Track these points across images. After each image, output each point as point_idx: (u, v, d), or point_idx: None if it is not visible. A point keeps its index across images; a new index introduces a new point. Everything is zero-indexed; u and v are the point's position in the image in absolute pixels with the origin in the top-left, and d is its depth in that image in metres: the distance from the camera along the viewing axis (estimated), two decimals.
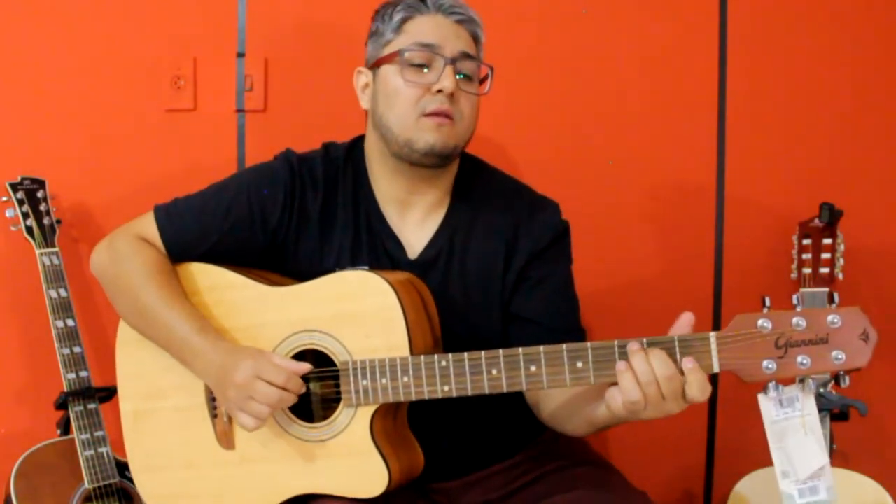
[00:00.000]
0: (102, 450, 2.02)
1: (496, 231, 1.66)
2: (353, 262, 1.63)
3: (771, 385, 1.32)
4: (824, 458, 1.35)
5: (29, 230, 2.09)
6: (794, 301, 1.30)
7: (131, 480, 1.99)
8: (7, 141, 2.22)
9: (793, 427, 1.35)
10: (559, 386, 1.41)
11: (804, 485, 1.36)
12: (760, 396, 1.35)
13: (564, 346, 1.39)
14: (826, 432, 1.97)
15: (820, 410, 1.96)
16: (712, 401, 2.33)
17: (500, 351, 1.43)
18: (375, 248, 1.65)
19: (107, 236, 1.72)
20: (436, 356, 1.46)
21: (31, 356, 2.20)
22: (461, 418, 1.64)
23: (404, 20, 1.60)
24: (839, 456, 2.06)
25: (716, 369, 1.33)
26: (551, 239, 1.67)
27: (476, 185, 1.71)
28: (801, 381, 1.33)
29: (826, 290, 2.02)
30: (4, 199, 2.10)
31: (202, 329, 1.57)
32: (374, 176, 1.68)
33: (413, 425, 1.60)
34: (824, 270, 2.05)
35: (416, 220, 1.67)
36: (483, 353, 1.44)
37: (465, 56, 1.59)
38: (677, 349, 1.33)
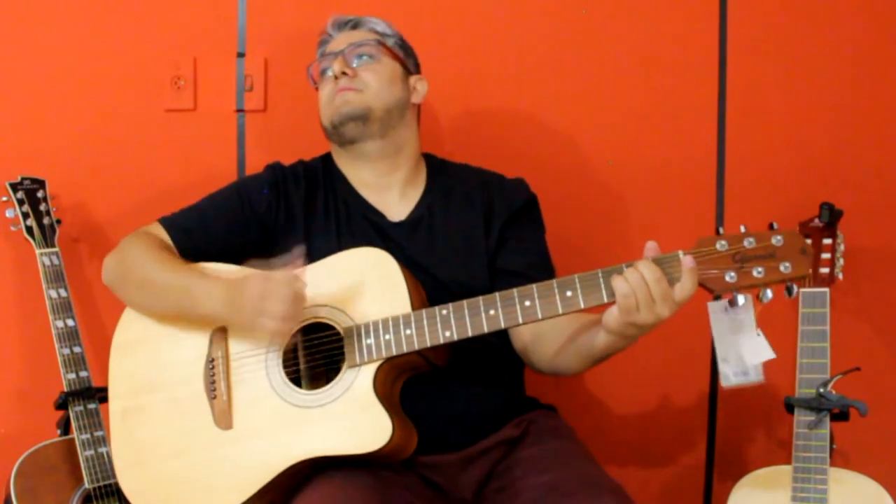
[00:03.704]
0: (102, 450, 2.02)
1: (472, 201, 1.84)
2: (340, 239, 1.76)
3: (738, 295, 1.52)
4: (770, 353, 1.64)
5: (29, 230, 2.09)
6: (742, 229, 1.50)
7: None
8: (7, 141, 2.22)
9: (738, 325, 1.65)
10: (552, 315, 1.52)
11: (738, 368, 1.67)
12: (709, 303, 1.61)
13: (554, 280, 1.52)
14: (826, 432, 1.97)
15: (820, 410, 1.97)
16: (712, 401, 2.33)
17: (496, 293, 1.54)
18: (357, 220, 1.80)
19: (115, 247, 1.79)
20: (436, 307, 1.56)
21: (31, 356, 2.20)
22: (449, 391, 1.68)
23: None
24: (839, 456, 2.06)
25: None
26: (523, 203, 1.85)
27: (448, 171, 1.91)
28: (758, 296, 1.51)
29: (826, 289, 2.02)
30: (4, 199, 2.10)
31: (202, 275, 1.67)
32: (344, 170, 1.87)
33: (403, 396, 1.65)
34: (824, 270, 2.05)
35: (395, 199, 1.84)
36: (481, 297, 1.55)
37: (353, 45, 1.84)
38: None
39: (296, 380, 1.63)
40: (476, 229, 1.81)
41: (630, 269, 1.48)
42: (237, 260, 1.74)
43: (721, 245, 1.50)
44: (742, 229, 1.50)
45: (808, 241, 1.52)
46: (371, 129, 1.80)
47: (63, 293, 2.06)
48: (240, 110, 2.25)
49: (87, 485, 2.00)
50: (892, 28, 2.31)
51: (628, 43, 2.30)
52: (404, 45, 1.91)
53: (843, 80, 2.30)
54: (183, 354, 1.68)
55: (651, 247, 1.51)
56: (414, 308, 1.58)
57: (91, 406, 2.04)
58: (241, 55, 2.25)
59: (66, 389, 2.02)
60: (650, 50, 2.30)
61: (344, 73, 1.80)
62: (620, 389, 2.25)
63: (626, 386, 2.27)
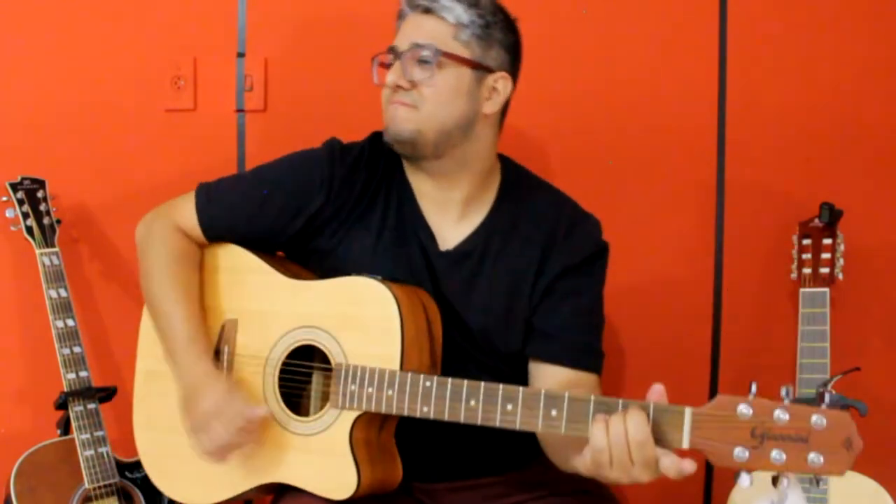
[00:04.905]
0: (102, 450, 2.02)
1: (534, 238, 1.65)
2: (375, 252, 1.64)
3: (744, 475, 1.22)
4: None
5: (29, 230, 2.09)
6: (783, 393, 1.21)
7: (131, 480, 2.00)
8: (7, 141, 2.22)
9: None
10: (531, 430, 1.39)
11: None
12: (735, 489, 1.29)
13: (543, 391, 1.38)
14: None
15: None
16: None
17: (482, 383, 1.43)
18: (407, 236, 1.66)
19: (152, 210, 1.76)
20: (422, 376, 1.47)
21: (31, 356, 2.20)
22: (458, 426, 1.63)
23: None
24: None
25: (685, 446, 1.26)
26: (588, 255, 1.66)
27: (520, 193, 1.71)
28: (775, 478, 1.24)
29: (826, 289, 2.02)
30: (4, 199, 2.10)
31: (193, 339, 1.62)
32: (407, 173, 1.70)
33: (407, 424, 1.59)
34: (824, 270, 2.05)
35: (453, 219, 1.67)
36: (466, 381, 1.44)
37: (415, 46, 1.59)
38: (651, 417, 1.28)
39: (295, 395, 1.63)
40: (527, 275, 1.63)
41: (615, 419, 1.26)
42: (264, 242, 1.70)
43: (742, 411, 1.20)
44: (783, 393, 1.19)
45: (857, 440, 1.16)
46: (423, 151, 1.61)
47: (63, 293, 2.06)
48: (240, 110, 2.25)
49: (86, 485, 2.00)
50: (893, 27, 2.31)
51: (628, 43, 2.29)
52: (487, 34, 1.61)
53: (843, 80, 2.30)
54: None
55: (657, 390, 1.29)
56: (405, 363, 1.49)
57: (91, 406, 2.04)
58: (241, 55, 2.24)
59: (66, 389, 2.02)
60: (650, 50, 2.29)
61: (399, 87, 1.60)
62: (620, 389, 2.25)
63: (626, 385, 2.27)
